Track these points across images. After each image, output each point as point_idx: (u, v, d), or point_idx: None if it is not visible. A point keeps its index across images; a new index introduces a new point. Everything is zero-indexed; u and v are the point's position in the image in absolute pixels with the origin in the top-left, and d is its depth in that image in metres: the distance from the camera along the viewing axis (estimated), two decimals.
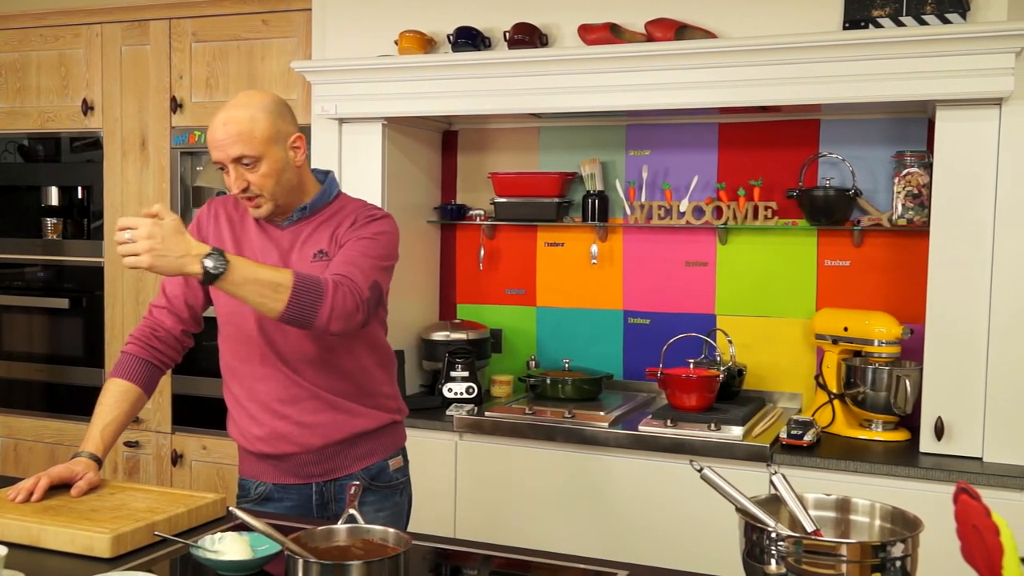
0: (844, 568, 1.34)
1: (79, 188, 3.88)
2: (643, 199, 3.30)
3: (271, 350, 2.06)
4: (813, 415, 2.91)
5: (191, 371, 3.59)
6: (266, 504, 2.12)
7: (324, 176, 2.16)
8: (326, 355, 2.06)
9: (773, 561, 1.37)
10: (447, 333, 3.33)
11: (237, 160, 1.97)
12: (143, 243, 1.75)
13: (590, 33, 2.97)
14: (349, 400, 2.10)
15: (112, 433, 2.05)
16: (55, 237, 3.89)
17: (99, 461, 2.01)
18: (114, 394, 2.08)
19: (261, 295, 1.83)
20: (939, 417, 2.66)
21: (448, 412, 3.07)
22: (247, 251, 2.09)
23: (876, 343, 2.83)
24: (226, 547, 1.64)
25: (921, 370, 2.73)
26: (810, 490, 1.60)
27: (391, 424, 2.19)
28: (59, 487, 1.92)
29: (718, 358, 3.16)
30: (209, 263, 1.77)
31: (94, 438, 2.02)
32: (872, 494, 1.68)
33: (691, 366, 3.05)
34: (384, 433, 2.17)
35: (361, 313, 1.94)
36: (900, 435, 2.85)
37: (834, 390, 2.93)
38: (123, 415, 2.07)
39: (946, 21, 2.61)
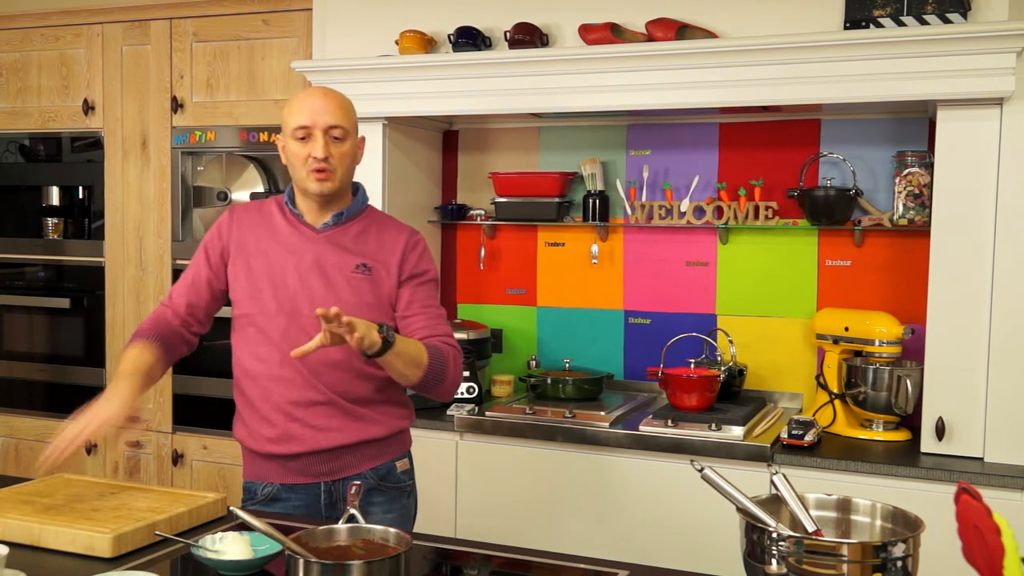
0: (845, 568, 1.34)
1: (80, 188, 3.88)
2: (644, 199, 3.30)
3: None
4: (814, 415, 2.91)
5: (192, 371, 3.59)
6: (273, 504, 2.11)
7: (354, 186, 2.21)
8: (350, 359, 2.06)
9: (774, 561, 1.37)
10: None
11: (330, 128, 2.04)
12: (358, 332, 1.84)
13: (590, 33, 2.97)
14: (363, 407, 2.10)
15: (139, 383, 2.01)
16: (56, 237, 3.89)
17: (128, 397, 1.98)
18: (136, 350, 2.06)
19: (406, 366, 1.98)
20: (940, 417, 2.66)
21: (448, 412, 3.07)
22: (275, 251, 2.09)
23: (877, 343, 2.83)
24: (227, 547, 1.64)
25: (922, 370, 2.73)
26: (811, 490, 1.60)
27: (400, 430, 2.21)
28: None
29: (719, 358, 3.16)
30: (383, 330, 1.89)
31: (119, 383, 1.98)
32: (873, 494, 1.68)
33: (692, 366, 3.05)
34: (393, 437, 2.19)
35: (461, 375, 2.13)
36: (901, 435, 2.85)
37: (835, 390, 2.92)
38: (147, 365, 2.05)
39: (947, 21, 2.61)
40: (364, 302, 2.08)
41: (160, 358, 2.09)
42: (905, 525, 1.47)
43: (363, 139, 2.17)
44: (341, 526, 1.57)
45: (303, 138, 2.06)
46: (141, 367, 2.03)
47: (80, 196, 3.89)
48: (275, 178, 3.54)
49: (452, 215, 3.54)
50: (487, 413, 3.02)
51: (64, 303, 3.83)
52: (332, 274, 2.08)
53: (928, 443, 2.68)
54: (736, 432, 2.74)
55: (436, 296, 2.20)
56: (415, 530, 2.24)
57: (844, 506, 1.57)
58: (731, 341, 3.20)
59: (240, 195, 3.53)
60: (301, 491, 2.11)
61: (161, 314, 2.17)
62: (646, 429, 2.82)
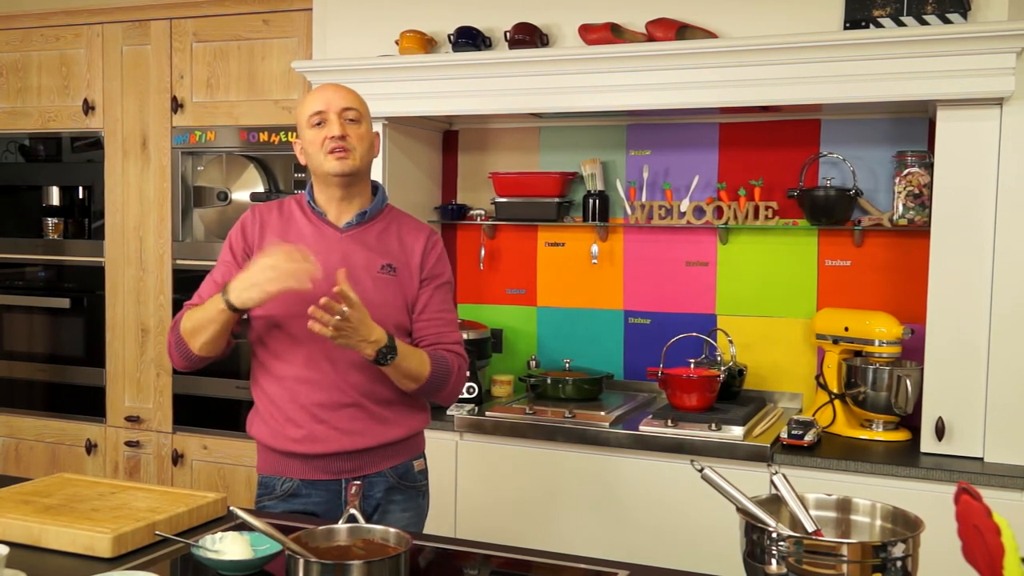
0: (845, 568, 1.34)
1: (80, 188, 3.88)
2: (644, 199, 3.30)
3: (320, 353, 2.06)
4: (814, 415, 2.91)
5: (191, 371, 3.59)
6: (293, 500, 2.11)
7: (374, 185, 2.22)
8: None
9: (774, 561, 1.37)
10: None
11: (344, 111, 2.08)
12: (337, 326, 1.89)
13: (591, 33, 2.97)
14: (386, 409, 2.11)
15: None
16: (56, 237, 3.89)
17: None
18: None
19: (403, 378, 2.06)
20: (940, 417, 2.66)
21: (449, 412, 3.07)
22: None
23: (877, 343, 2.83)
24: (227, 547, 1.64)
25: (922, 370, 2.73)
26: (811, 490, 1.60)
27: (418, 431, 2.23)
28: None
29: (719, 358, 3.16)
30: (382, 353, 1.97)
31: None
32: (873, 494, 1.68)
33: (692, 366, 3.05)
34: (411, 438, 2.21)
35: (463, 389, 2.21)
36: (901, 435, 2.85)
37: (835, 390, 2.92)
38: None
39: (947, 21, 2.61)
40: (390, 303, 2.09)
41: None
42: (905, 525, 1.47)
43: (377, 134, 2.18)
44: (341, 526, 1.57)
45: (318, 123, 2.07)
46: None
47: (80, 196, 3.89)
48: (275, 178, 3.54)
49: (452, 215, 3.54)
50: (487, 413, 3.02)
51: (64, 303, 3.83)
52: (359, 274, 2.07)
53: (928, 443, 2.68)
54: (736, 432, 2.74)
55: (451, 300, 2.22)
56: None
57: (844, 506, 1.57)
58: (731, 341, 3.20)
59: (240, 195, 3.54)
60: (322, 487, 2.11)
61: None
62: (646, 429, 2.82)
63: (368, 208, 2.15)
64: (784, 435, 2.75)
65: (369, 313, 2.01)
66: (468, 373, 3.14)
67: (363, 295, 2.04)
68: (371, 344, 1.95)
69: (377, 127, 3.18)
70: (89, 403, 3.80)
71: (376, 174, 3.20)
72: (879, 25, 2.67)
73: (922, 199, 2.91)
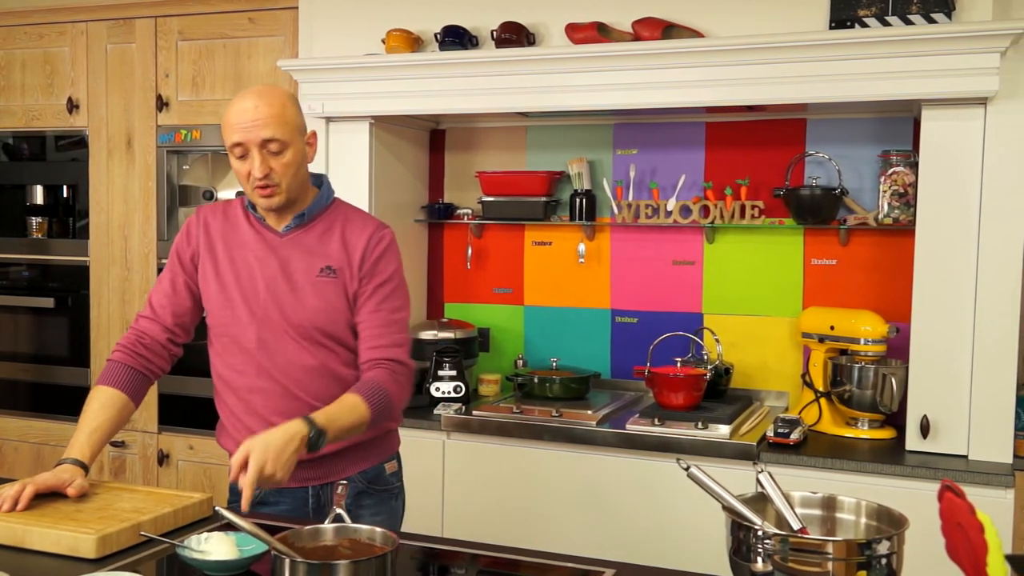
0: (830, 566, 1.35)
1: (64, 187, 3.86)
2: (630, 198, 3.31)
3: (270, 362, 2.03)
4: (799, 413, 2.92)
5: (177, 371, 3.53)
6: (261, 508, 2.08)
7: (318, 180, 2.13)
8: (326, 364, 2.04)
9: (759, 559, 1.38)
10: (435, 332, 3.32)
11: (265, 143, 1.92)
12: (261, 471, 1.75)
13: (577, 32, 2.97)
14: None
15: (98, 440, 1.99)
16: (40, 236, 3.87)
17: (85, 468, 1.96)
18: (100, 400, 2.03)
19: (350, 433, 1.93)
20: (925, 415, 2.67)
21: (436, 411, 3.06)
22: (242, 257, 2.06)
23: (862, 341, 2.84)
24: (212, 547, 1.63)
25: (907, 368, 2.75)
26: (796, 488, 1.60)
27: (387, 432, 2.18)
28: (44, 495, 1.90)
29: (705, 357, 3.17)
30: (312, 442, 1.82)
31: (80, 443, 1.98)
32: (858, 492, 1.69)
33: (678, 365, 3.06)
34: (380, 439, 2.15)
35: (413, 386, 2.12)
36: (886, 433, 2.87)
37: (820, 388, 2.93)
38: (108, 421, 2.01)
39: (931, 21, 2.62)
40: (331, 306, 2.03)
41: (127, 405, 2.05)
42: (890, 523, 1.48)
43: (314, 133, 2.06)
44: (327, 526, 1.57)
45: (241, 156, 1.96)
46: (103, 424, 2.00)
47: (64, 195, 3.87)
48: None
49: (439, 214, 3.53)
50: (474, 412, 3.02)
51: (48, 303, 3.81)
52: (298, 279, 2.03)
53: (913, 441, 2.70)
54: (722, 430, 2.75)
55: (395, 299, 2.06)
56: (402, 530, 2.23)
57: (829, 504, 1.57)
58: (717, 340, 3.20)
59: (226, 193, 3.52)
60: (288, 495, 2.09)
61: (143, 331, 2.11)
62: (633, 428, 2.83)
63: (306, 210, 2.06)
64: (770, 433, 2.76)
65: (315, 317, 1.99)
66: (453, 369, 3.17)
67: (303, 300, 2.00)
68: (301, 441, 1.81)
69: (363, 126, 3.19)
70: (74, 403, 3.73)
71: (363, 173, 3.20)
72: (864, 25, 2.68)
73: (907, 198, 2.92)
